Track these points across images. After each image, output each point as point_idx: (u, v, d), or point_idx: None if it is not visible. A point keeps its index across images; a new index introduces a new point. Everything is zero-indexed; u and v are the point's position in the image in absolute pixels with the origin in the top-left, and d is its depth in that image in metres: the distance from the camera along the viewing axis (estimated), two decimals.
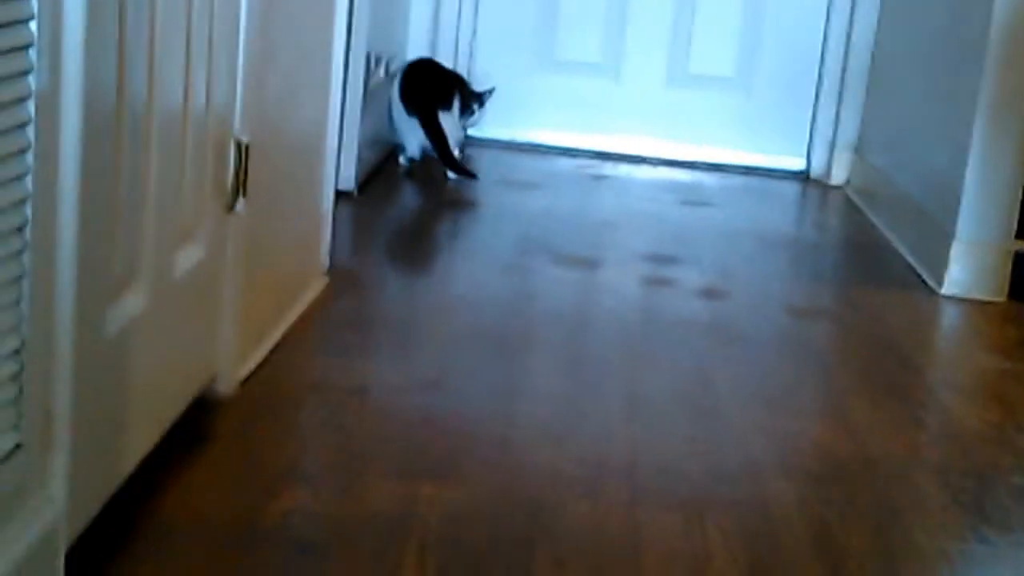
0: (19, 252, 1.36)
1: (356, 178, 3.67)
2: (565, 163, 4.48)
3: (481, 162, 4.36)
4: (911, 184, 3.74)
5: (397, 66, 4.20)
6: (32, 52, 1.33)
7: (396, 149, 4.23)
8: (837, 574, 1.82)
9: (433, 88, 4.12)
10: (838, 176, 4.53)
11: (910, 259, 3.54)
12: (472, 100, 4.23)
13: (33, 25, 1.33)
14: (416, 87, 4.11)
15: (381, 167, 4.07)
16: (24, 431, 1.40)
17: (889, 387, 2.60)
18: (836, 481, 2.14)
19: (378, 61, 3.86)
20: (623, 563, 1.80)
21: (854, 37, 4.47)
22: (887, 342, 2.90)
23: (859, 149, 4.45)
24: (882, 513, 2.03)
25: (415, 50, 4.40)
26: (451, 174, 4.07)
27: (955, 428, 2.44)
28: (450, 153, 4.05)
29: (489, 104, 4.27)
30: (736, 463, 2.17)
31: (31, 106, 1.34)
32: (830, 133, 4.55)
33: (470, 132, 4.41)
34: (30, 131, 1.35)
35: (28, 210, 1.36)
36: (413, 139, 4.08)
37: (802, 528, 1.95)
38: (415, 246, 3.47)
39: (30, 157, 1.35)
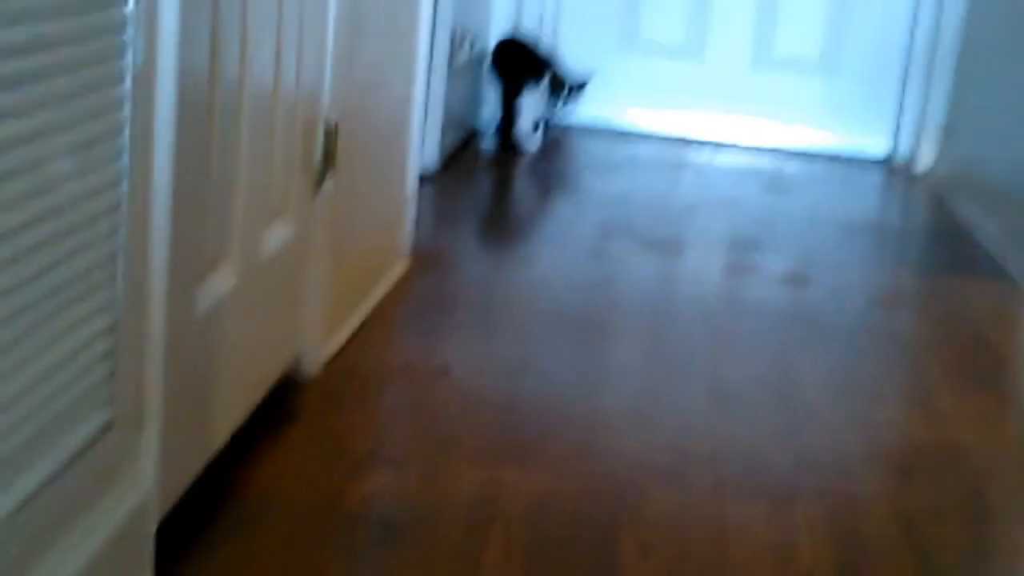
0: (114, 231, 1.36)
1: (439, 159, 3.67)
2: (648, 147, 4.45)
3: (563, 144, 4.34)
4: (1000, 170, 3.68)
5: (481, 46, 4.20)
6: (127, 32, 1.33)
7: (478, 130, 4.24)
8: (926, 566, 1.80)
9: (524, 64, 4.12)
10: (924, 162, 4.47)
11: (997, 247, 3.49)
12: (565, 86, 4.23)
13: (129, 5, 1.33)
14: (507, 61, 4.12)
15: (464, 147, 4.07)
16: (116, 409, 1.41)
17: (976, 377, 2.56)
18: (924, 472, 2.11)
19: (462, 40, 3.86)
20: (709, 551, 1.79)
21: (944, 17, 4.40)
22: (973, 332, 2.86)
23: (947, 134, 4.39)
24: (971, 505, 2.00)
25: (499, 29, 4.39)
26: (528, 144, 4.10)
27: None
28: (511, 130, 4.06)
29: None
30: (822, 453, 2.14)
31: (127, 85, 1.35)
32: (917, 118, 4.48)
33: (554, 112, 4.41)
34: (126, 110, 1.35)
35: (123, 189, 1.36)
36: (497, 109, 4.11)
37: (890, 519, 1.92)
38: (497, 227, 3.46)
39: (125, 136, 1.36)
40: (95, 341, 1.35)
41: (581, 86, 4.27)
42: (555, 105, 4.23)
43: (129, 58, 1.35)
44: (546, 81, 4.16)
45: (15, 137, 1.13)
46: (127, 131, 1.36)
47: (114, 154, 1.34)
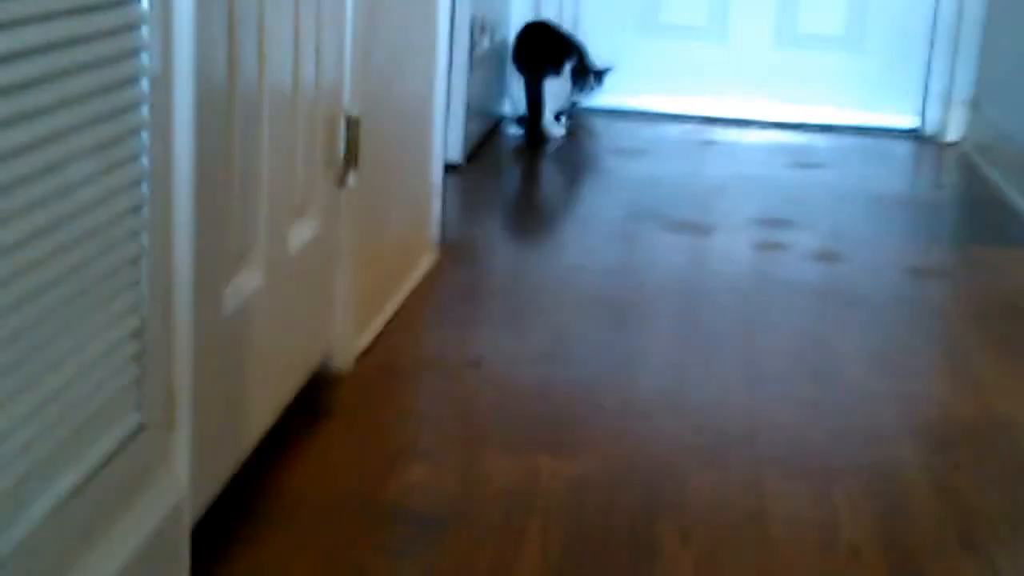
0: (137, 232, 1.35)
1: (464, 149, 3.66)
2: (673, 129, 4.43)
3: (589, 130, 4.32)
4: None
5: (502, 34, 4.19)
6: (144, 30, 1.33)
7: (503, 119, 4.23)
8: (969, 538, 1.78)
9: (545, 52, 4.10)
10: (954, 133, 4.43)
11: None
12: (588, 74, 4.21)
13: (144, 3, 1.32)
14: (528, 49, 4.10)
15: (488, 137, 4.06)
16: (147, 411, 1.40)
17: (1014, 347, 2.54)
18: (964, 444, 2.09)
19: (483, 29, 3.84)
20: (749, 532, 1.77)
21: None
22: (1010, 301, 2.83)
23: (975, 104, 4.35)
24: (1013, 475, 1.98)
25: (519, 16, 4.36)
26: (554, 132, 4.08)
27: None
28: (537, 122, 4.05)
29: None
30: (860, 428, 2.12)
31: (144, 85, 1.34)
32: (945, 89, 4.44)
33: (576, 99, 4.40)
34: (144, 110, 1.35)
35: (144, 190, 1.36)
36: (521, 100, 4.09)
37: (931, 492, 1.90)
38: (525, 216, 3.45)
39: (145, 136, 1.35)
40: (123, 343, 1.34)
41: (602, 73, 4.25)
42: (579, 90, 4.21)
43: (145, 57, 1.34)
44: (569, 68, 4.13)
45: (34, 140, 1.12)
46: (146, 131, 1.35)
47: (134, 155, 1.33)
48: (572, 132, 4.22)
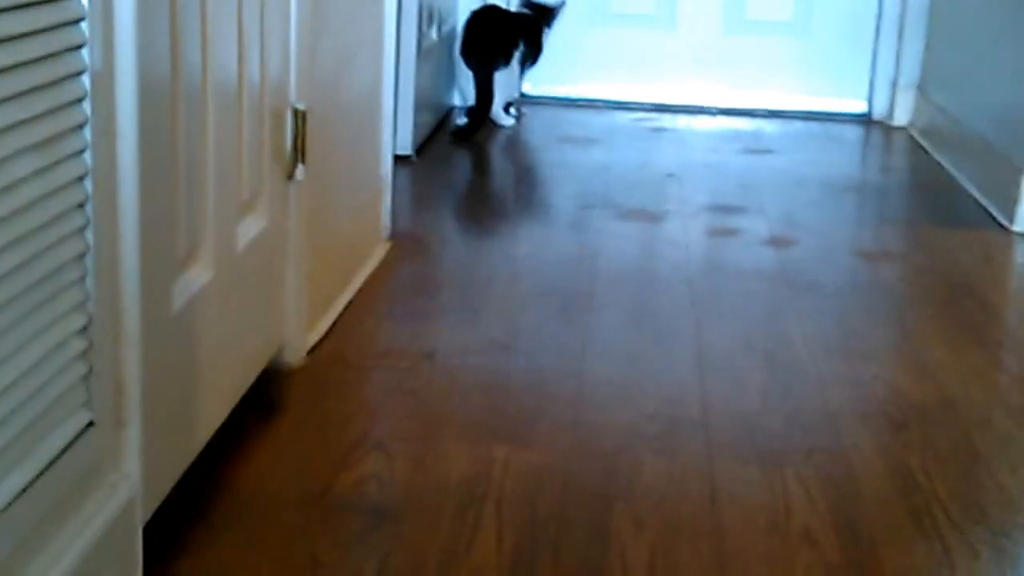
0: (82, 229, 1.34)
1: (414, 141, 3.65)
2: (623, 117, 4.43)
3: (538, 119, 4.33)
4: (978, 120, 3.67)
5: (451, 24, 4.18)
6: (84, 25, 1.32)
7: (453, 110, 4.22)
8: (923, 521, 1.79)
9: (494, 42, 4.09)
10: (901, 117, 4.46)
11: (979, 197, 3.48)
12: (539, 52, 4.21)
13: None
14: (477, 40, 4.08)
15: (438, 129, 4.05)
16: (96, 409, 1.39)
17: (966, 328, 2.55)
18: (916, 427, 2.10)
19: (431, 19, 3.84)
20: (702, 518, 1.78)
21: None
22: (961, 283, 2.85)
23: (922, 88, 4.37)
24: (966, 458, 2.00)
25: (467, 6, 4.35)
26: (504, 122, 4.08)
27: None
28: (485, 115, 4.04)
29: (550, 36, 4.25)
30: (813, 412, 2.14)
31: (86, 80, 1.33)
32: (891, 73, 4.47)
33: (526, 90, 4.39)
34: (86, 106, 1.34)
35: (88, 186, 1.35)
36: (470, 92, 4.08)
37: (884, 476, 1.92)
38: (476, 207, 3.44)
39: (87, 132, 1.34)
40: (70, 341, 1.33)
41: (555, 10, 4.23)
42: (532, 64, 4.21)
43: (86, 53, 1.33)
44: (518, 56, 4.13)
45: None
46: (89, 127, 1.34)
47: (77, 151, 1.32)
48: (521, 122, 4.22)
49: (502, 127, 4.12)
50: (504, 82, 4.08)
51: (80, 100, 1.32)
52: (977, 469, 1.96)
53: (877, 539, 1.75)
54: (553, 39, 4.34)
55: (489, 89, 4.03)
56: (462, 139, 4.00)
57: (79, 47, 1.31)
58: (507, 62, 4.08)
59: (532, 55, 4.23)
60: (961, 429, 2.10)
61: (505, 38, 4.12)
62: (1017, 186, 3.21)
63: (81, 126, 1.33)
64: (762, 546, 1.72)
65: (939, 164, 3.91)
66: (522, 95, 4.36)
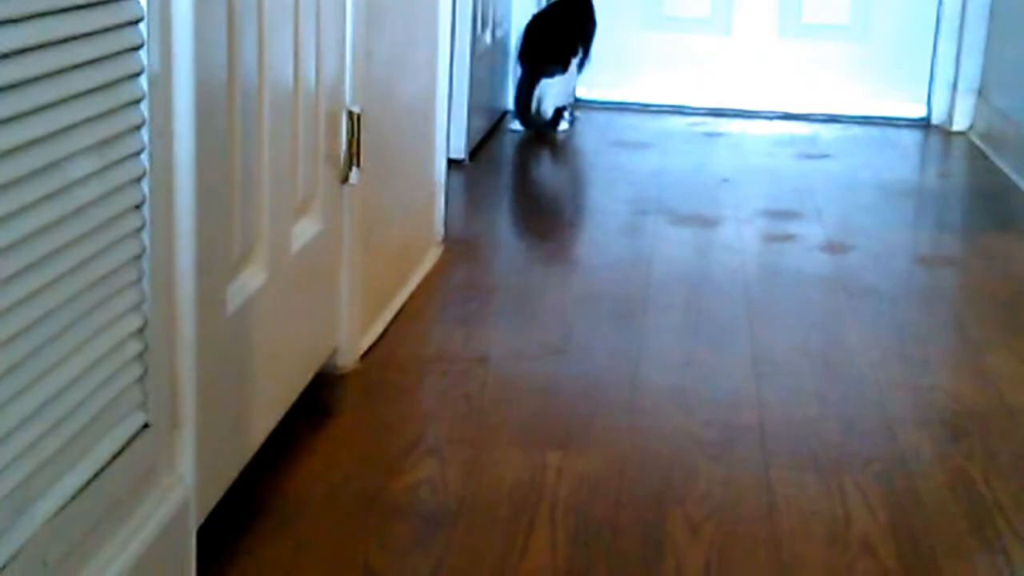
0: (138, 230, 1.34)
1: (467, 145, 3.65)
2: (678, 121, 4.41)
3: (592, 123, 4.31)
4: None
5: (504, 29, 4.17)
6: (142, 27, 1.31)
7: (508, 114, 4.22)
8: (984, 530, 1.76)
9: (547, 48, 4.07)
10: (961, 121, 4.41)
11: None
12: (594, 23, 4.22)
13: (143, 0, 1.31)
14: (531, 44, 4.08)
15: (492, 133, 4.05)
16: (151, 410, 1.39)
17: None
18: (977, 434, 2.07)
19: (484, 24, 3.83)
20: (759, 526, 1.76)
21: None
22: (1019, 289, 2.81)
23: (982, 92, 4.33)
24: None
25: (522, 11, 4.35)
26: (559, 126, 4.08)
27: None
28: (540, 113, 4.03)
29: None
30: (871, 419, 2.11)
31: (143, 82, 1.33)
32: (951, 77, 4.43)
33: (580, 94, 4.38)
34: (144, 107, 1.33)
35: (145, 188, 1.35)
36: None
37: (944, 484, 1.89)
38: (529, 212, 3.43)
39: (145, 134, 1.34)
40: (126, 343, 1.33)
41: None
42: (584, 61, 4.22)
43: (144, 54, 1.33)
44: (576, 63, 4.11)
45: (34, 138, 1.11)
46: (146, 129, 1.34)
47: (134, 152, 1.32)
48: (577, 126, 4.21)
49: (557, 132, 4.10)
50: (559, 89, 4.07)
51: (138, 102, 1.32)
52: None
53: (937, 550, 1.72)
54: (607, 42, 4.32)
55: (529, 91, 4.02)
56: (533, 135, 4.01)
57: (137, 48, 1.31)
58: (564, 69, 4.06)
59: (585, 53, 4.23)
60: (1022, 438, 2.06)
61: (563, 41, 4.11)
62: None
63: (138, 127, 1.33)
64: (820, 555, 1.70)
65: (999, 169, 3.86)
66: (576, 99, 4.34)
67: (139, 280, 1.36)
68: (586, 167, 3.85)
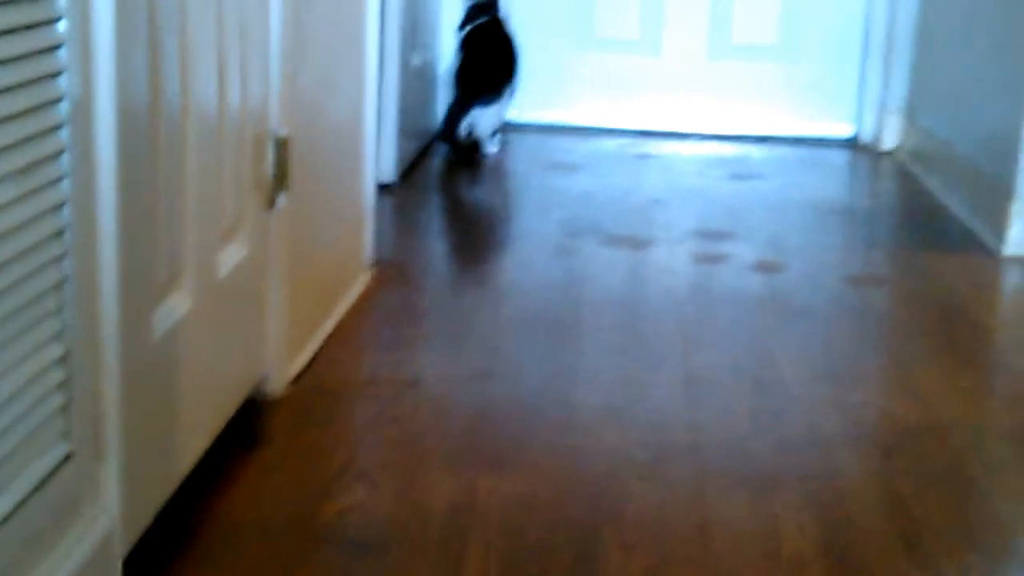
0: (60, 257, 1.32)
1: (397, 168, 3.64)
2: (608, 143, 4.42)
3: (523, 145, 4.31)
4: (966, 144, 3.66)
5: (433, 52, 4.17)
6: (62, 53, 1.30)
7: (436, 137, 4.22)
8: (914, 546, 1.77)
9: (483, 76, 4.06)
10: (889, 141, 4.45)
11: (968, 221, 3.47)
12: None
13: (62, 25, 1.29)
14: (467, 69, 4.07)
15: (422, 156, 4.04)
16: (74, 440, 1.37)
17: (956, 352, 2.54)
18: (907, 451, 2.08)
19: (413, 45, 3.82)
20: (692, 544, 1.76)
21: None
22: (951, 306, 2.84)
23: (910, 112, 4.37)
24: (957, 482, 1.98)
25: (451, 32, 4.35)
26: (488, 149, 4.07)
27: None
28: (451, 137, 4.03)
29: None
30: (803, 437, 2.12)
31: (64, 108, 1.31)
32: (879, 97, 4.46)
33: (510, 116, 4.38)
34: (64, 134, 1.32)
35: (67, 215, 1.33)
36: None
37: (875, 501, 1.90)
38: (461, 235, 3.43)
39: (66, 161, 1.32)
40: (48, 372, 1.31)
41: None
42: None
43: (65, 80, 1.31)
44: (509, 90, 4.11)
45: None
46: (67, 155, 1.33)
47: (55, 179, 1.31)
48: (507, 148, 4.21)
49: (486, 155, 4.10)
50: (491, 113, 4.06)
51: (58, 128, 1.31)
52: (969, 494, 1.94)
53: (869, 565, 1.73)
54: (539, 65, 4.33)
55: (458, 117, 4.01)
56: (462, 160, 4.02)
57: (57, 75, 1.30)
58: (498, 97, 4.06)
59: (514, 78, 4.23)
60: (952, 454, 2.08)
61: (498, 72, 4.10)
62: (1006, 210, 3.20)
63: (59, 154, 1.31)
64: (753, 573, 1.70)
65: (927, 188, 3.90)
66: (507, 122, 4.35)
67: (61, 308, 1.34)
68: (517, 189, 3.85)
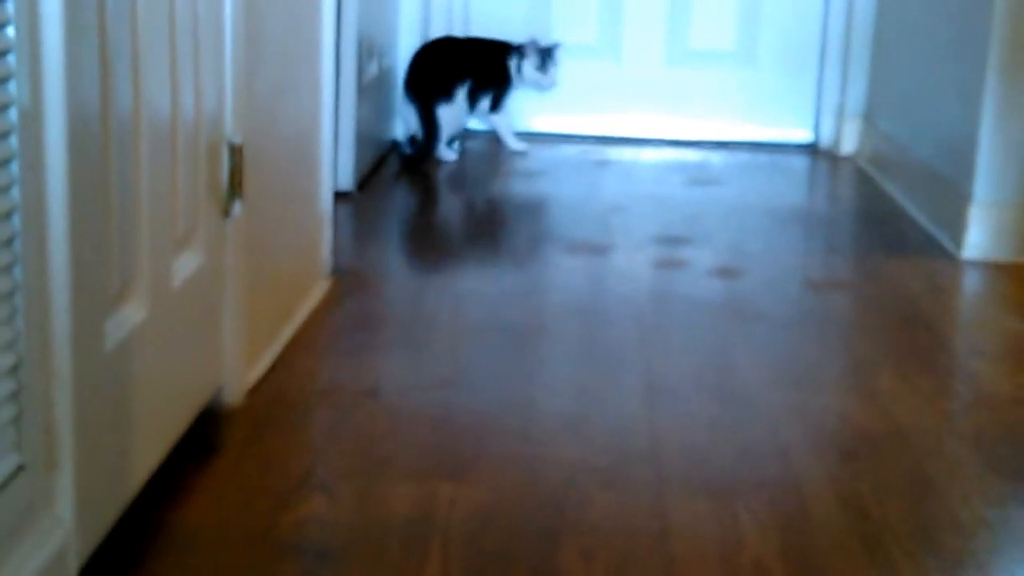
0: (9, 266, 1.31)
1: (355, 176, 3.62)
2: (568, 150, 4.42)
3: (482, 153, 4.30)
4: (924, 148, 3.68)
5: (391, 59, 4.16)
6: (10, 58, 1.28)
7: (396, 144, 4.21)
8: (875, 551, 1.77)
9: (436, 77, 4.06)
10: (848, 146, 4.46)
11: (927, 225, 3.48)
12: (491, 88, 4.19)
13: (10, 30, 1.28)
14: (419, 75, 4.07)
15: (380, 164, 4.02)
16: (26, 451, 1.35)
17: (915, 356, 2.54)
18: (867, 456, 2.08)
19: (370, 54, 3.81)
20: (652, 553, 1.75)
21: (856, 1, 4.40)
22: (910, 311, 2.84)
23: (868, 117, 4.39)
24: (917, 486, 1.98)
25: (408, 40, 4.34)
26: (446, 157, 4.06)
27: (985, 394, 2.38)
28: (430, 150, 4.02)
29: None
30: (763, 444, 2.11)
31: (13, 114, 1.29)
32: (837, 102, 4.48)
33: (469, 124, 4.36)
34: (13, 140, 1.30)
35: (16, 222, 1.31)
36: (414, 123, 4.07)
37: (836, 506, 1.89)
38: (419, 243, 3.41)
39: (15, 167, 1.31)
40: None
41: (551, 50, 4.23)
42: (542, 76, 4.20)
43: (13, 86, 1.29)
44: (464, 92, 4.10)
45: None
46: (16, 162, 1.31)
47: (4, 186, 1.29)
48: (465, 156, 4.20)
49: (444, 162, 4.09)
50: (448, 118, 4.06)
51: (6, 135, 1.29)
52: (929, 498, 1.94)
53: (829, 570, 1.72)
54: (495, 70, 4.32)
55: (432, 122, 4.02)
56: (410, 168, 3.99)
57: (5, 80, 1.28)
58: (449, 98, 4.05)
59: (494, 90, 4.20)
60: (912, 458, 2.08)
61: (449, 73, 4.09)
62: (964, 214, 3.21)
63: (8, 161, 1.30)
64: None
65: (886, 192, 3.91)
66: (465, 129, 4.34)
67: (11, 318, 1.32)
68: (476, 197, 3.84)
